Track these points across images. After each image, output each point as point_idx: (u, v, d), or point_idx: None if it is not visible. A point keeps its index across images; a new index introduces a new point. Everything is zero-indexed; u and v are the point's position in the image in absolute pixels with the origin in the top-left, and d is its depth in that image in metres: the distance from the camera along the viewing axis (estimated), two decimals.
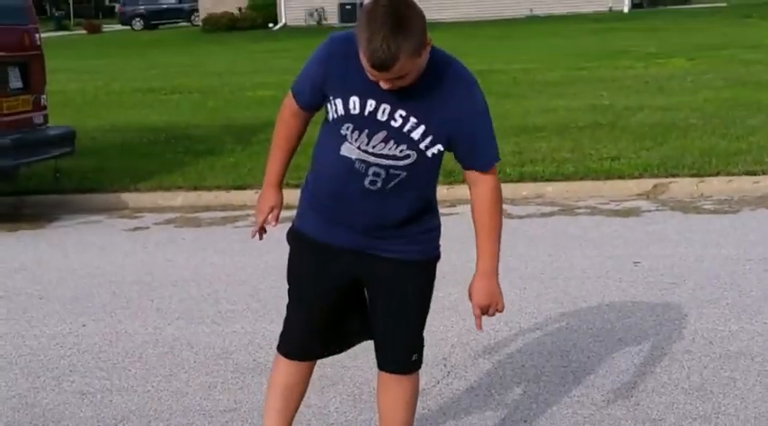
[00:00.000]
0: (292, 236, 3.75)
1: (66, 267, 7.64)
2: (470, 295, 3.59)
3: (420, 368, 3.80)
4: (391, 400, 3.79)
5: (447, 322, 5.83)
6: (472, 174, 3.53)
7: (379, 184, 3.48)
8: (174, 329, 6.03)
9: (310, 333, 3.76)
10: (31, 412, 4.92)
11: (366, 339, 3.85)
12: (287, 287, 3.80)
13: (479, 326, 3.59)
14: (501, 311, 3.61)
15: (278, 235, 4.04)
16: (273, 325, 5.25)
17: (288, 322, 3.79)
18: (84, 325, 6.16)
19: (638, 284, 6.50)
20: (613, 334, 5.60)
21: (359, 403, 4.85)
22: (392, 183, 3.49)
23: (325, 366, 5.05)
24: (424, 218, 3.63)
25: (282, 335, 3.82)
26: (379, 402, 3.85)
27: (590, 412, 4.67)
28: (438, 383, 5.06)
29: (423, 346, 3.77)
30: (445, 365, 5.27)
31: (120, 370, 5.41)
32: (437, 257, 3.71)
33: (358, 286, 3.72)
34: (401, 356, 3.74)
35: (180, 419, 4.78)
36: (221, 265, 7.45)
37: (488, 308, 3.59)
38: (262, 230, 3.86)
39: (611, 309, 6.03)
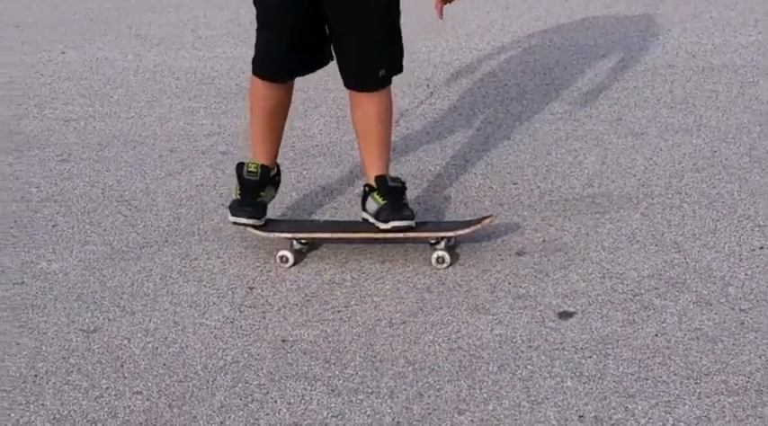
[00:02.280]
0: None
1: None
2: None
3: (390, 83, 3.73)
4: (364, 116, 3.73)
5: (429, 42, 5.79)
6: None
7: None
8: (154, 55, 5.97)
9: (278, 47, 3.64)
10: (15, 139, 4.93)
11: (320, 65, 3.75)
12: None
13: (441, 13, 3.56)
14: None
15: None
16: None
17: (257, 41, 3.72)
18: (63, 53, 6.09)
19: (622, 1, 6.42)
20: (597, 51, 5.57)
21: (342, 125, 4.85)
22: None
23: (308, 89, 5.05)
24: None
25: (254, 57, 3.76)
26: (353, 119, 3.80)
27: (572, 127, 4.69)
28: (421, 103, 5.06)
29: (393, 61, 3.69)
30: (428, 85, 5.26)
31: (103, 97, 5.39)
32: None
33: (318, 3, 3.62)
34: (366, 74, 3.67)
35: (164, 143, 4.80)
36: None
37: None
38: None
39: (595, 26, 5.98)
